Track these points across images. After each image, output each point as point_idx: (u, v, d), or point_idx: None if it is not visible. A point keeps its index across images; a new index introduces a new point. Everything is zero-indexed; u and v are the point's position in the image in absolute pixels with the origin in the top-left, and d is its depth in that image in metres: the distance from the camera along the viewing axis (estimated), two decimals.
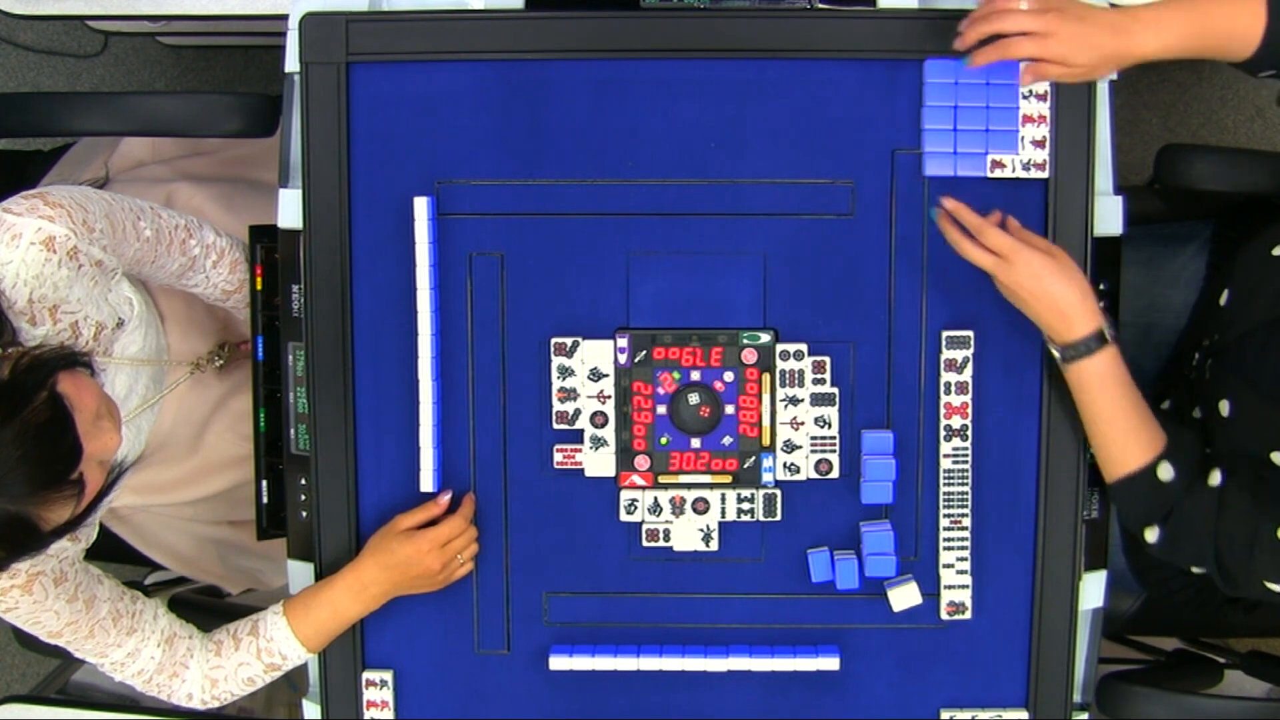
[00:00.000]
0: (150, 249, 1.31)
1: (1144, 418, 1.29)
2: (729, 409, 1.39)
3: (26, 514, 1.00)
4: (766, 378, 1.39)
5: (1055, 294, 1.24)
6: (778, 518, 1.41)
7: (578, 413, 1.40)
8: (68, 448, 1.02)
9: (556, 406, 1.40)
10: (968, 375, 1.38)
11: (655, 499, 1.41)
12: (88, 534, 1.30)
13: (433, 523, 1.37)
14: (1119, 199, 1.37)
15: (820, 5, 1.37)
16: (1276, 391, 1.25)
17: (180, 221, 1.36)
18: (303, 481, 1.43)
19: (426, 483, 1.40)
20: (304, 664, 1.43)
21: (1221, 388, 1.31)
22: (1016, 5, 1.22)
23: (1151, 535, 1.32)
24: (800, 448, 1.40)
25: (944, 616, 1.41)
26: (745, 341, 1.38)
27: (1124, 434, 1.29)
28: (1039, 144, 1.36)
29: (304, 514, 1.43)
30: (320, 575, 1.42)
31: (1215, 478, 1.28)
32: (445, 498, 1.39)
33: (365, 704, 1.44)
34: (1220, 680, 1.64)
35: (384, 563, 1.35)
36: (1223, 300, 1.34)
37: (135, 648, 1.33)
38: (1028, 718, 1.41)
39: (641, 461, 1.40)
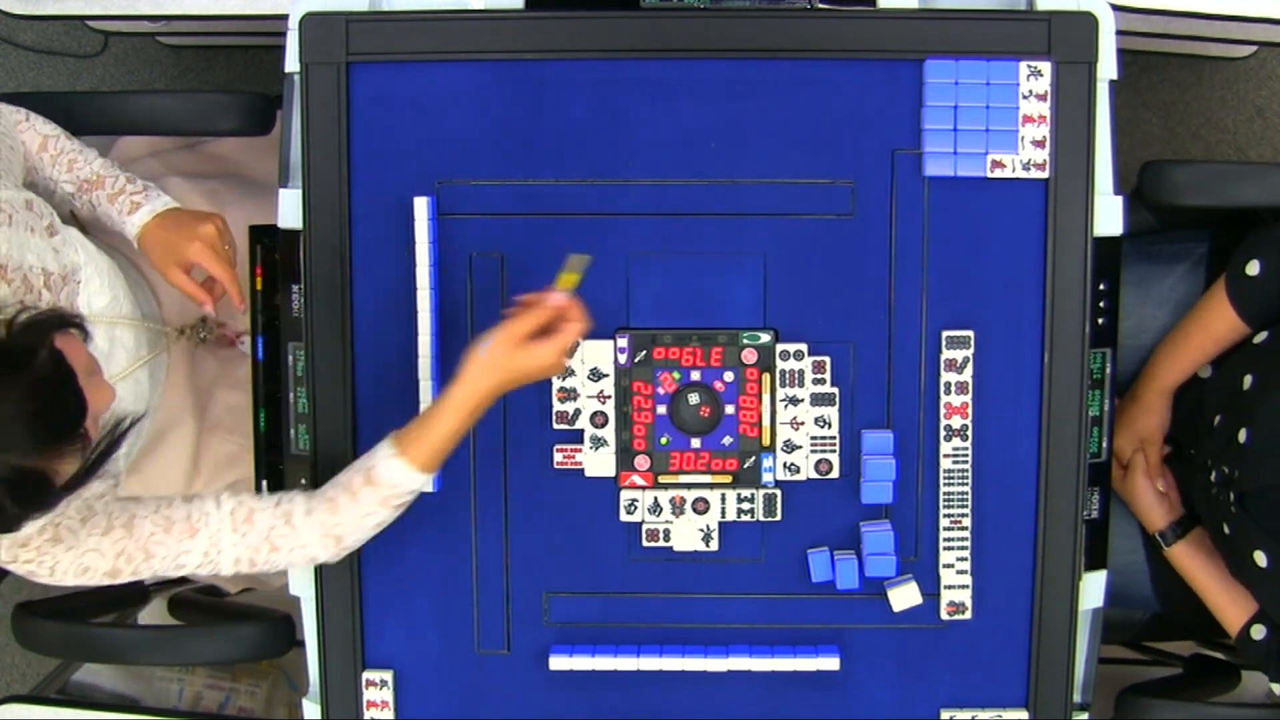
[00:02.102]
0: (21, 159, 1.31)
1: (1233, 591, 1.45)
2: (729, 409, 1.39)
3: (39, 468, 1.01)
4: (766, 378, 1.39)
5: (1133, 506, 1.53)
6: (778, 518, 1.41)
7: (578, 413, 1.40)
8: (74, 402, 1.03)
9: (556, 406, 1.40)
10: (968, 375, 1.38)
11: (655, 499, 1.41)
12: (111, 477, 1.28)
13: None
14: (1119, 199, 1.37)
15: (820, 5, 1.37)
16: None
17: (16, 117, 1.38)
18: (303, 481, 1.43)
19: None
20: (304, 664, 1.43)
21: (1254, 537, 1.34)
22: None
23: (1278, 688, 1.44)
24: (800, 448, 1.40)
25: (944, 616, 1.41)
26: (745, 341, 1.38)
27: (1216, 606, 1.47)
28: (1039, 144, 1.36)
29: None
30: (320, 576, 1.42)
31: None
32: (558, 298, 1.25)
33: (365, 704, 1.44)
34: (1239, 683, 1.64)
35: (506, 380, 1.26)
36: (1242, 438, 1.35)
37: (210, 544, 1.27)
38: (1028, 717, 1.41)
39: (641, 461, 1.40)
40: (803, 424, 1.39)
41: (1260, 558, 1.33)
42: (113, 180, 1.41)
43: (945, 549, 1.40)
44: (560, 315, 1.25)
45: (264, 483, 1.47)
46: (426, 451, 1.28)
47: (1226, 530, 1.38)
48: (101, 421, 1.10)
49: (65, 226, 1.30)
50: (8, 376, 0.98)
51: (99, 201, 1.40)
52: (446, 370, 1.40)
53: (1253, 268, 1.39)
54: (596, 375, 1.39)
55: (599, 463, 1.40)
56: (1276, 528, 1.31)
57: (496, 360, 1.25)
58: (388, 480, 1.28)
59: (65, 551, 1.22)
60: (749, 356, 1.39)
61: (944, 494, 1.39)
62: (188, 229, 1.37)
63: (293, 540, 1.29)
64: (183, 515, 1.27)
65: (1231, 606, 1.45)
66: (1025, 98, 1.35)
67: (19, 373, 0.99)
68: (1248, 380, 1.37)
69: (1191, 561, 1.48)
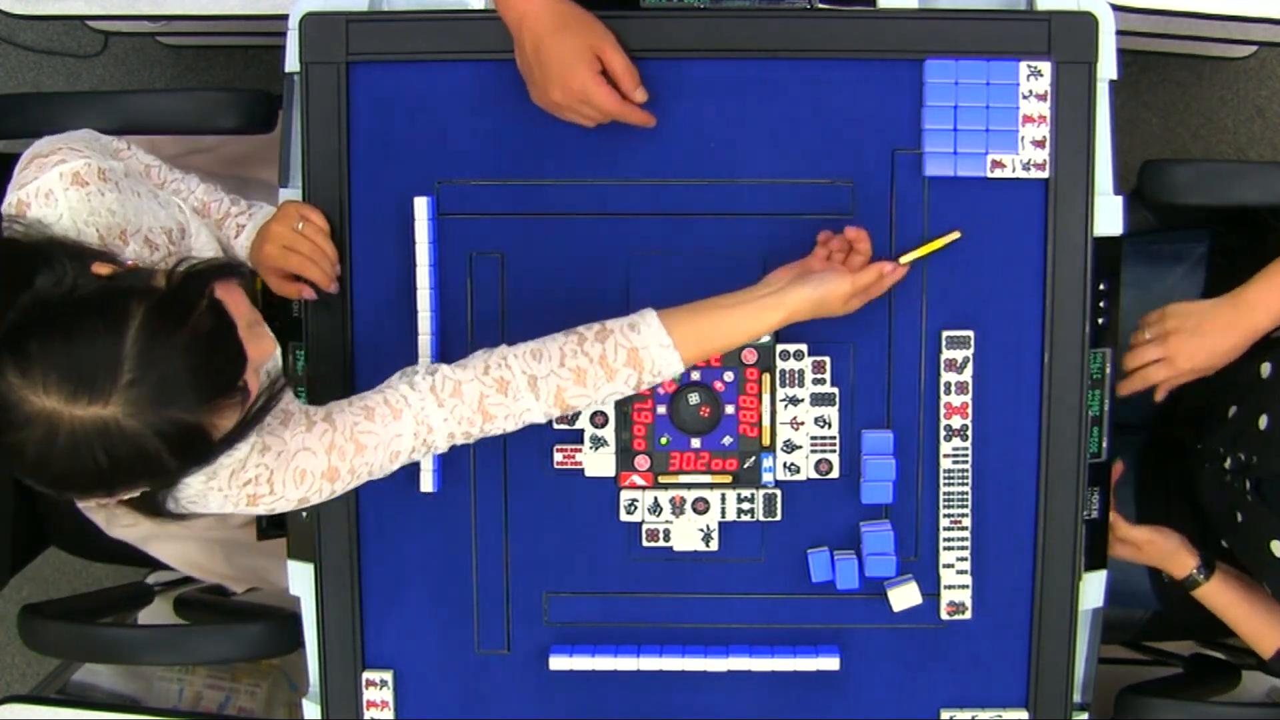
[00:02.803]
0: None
1: (1264, 619, 1.45)
2: (729, 409, 1.39)
3: (200, 423, 0.99)
4: (766, 378, 1.39)
5: (1156, 562, 1.50)
6: (778, 518, 1.41)
7: (577, 413, 1.40)
8: (235, 354, 1.02)
9: None
10: (968, 375, 1.38)
11: (655, 499, 1.41)
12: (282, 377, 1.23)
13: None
14: (1119, 199, 1.37)
15: (820, 5, 1.37)
16: None
17: (118, 145, 1.36)
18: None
19: (426, 483, 1.40)
20: (304, 664, 1.43)
21: (1271, 526, 1.34)
22: (1141, 338, 1.41)
23: None
24: (800, 448, 1.40)
25: (944, 616, 1.41)
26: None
27: (1250, 633, 1.47)
28: (1039, 144, 1.36)
29: (304, 514, 1.43)
30: (320, 576, 1.42)
31: None
32: (854, 232, 1.29)
33: (365, 704, 1.44)
34: (1239, 682, 1.64)
35: (822, 302, 1.26)
36: (1262, 424, 1.35)
37: (417, 423, 1.21)
38: (1028, 718, 1.41)
39: (641, 461, 1.40)
40: (803, 424, 1.39)
41: (1277, 547, 1.33)
42: (217, 205, 1.39)
43: (945, 549, 1.40)
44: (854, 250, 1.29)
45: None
46: (699, 349, 1.24)
47: (1240, 519, 1.38)
48: (262, 373, 1.08)
49: (162, 190, 1.28)
50: (170, 329, 0.97)
51: (209, 228, 1.36)
52: None
53: None
54: None
55: (599, 463, 1.40)
56: None
57: (829, 288, 1.25)
58: (653, 369, 1.23)
59: (276, 459, 1.18)
60: (749, 356, 1.39)
61: (944, 494, 1.39)
62: (263, 232, 1.35)
63: (511, 407, 1.23)
64: (379, 401, 1.21)
65: (1267, 631, 1.44)
66: (1025, 98, 1.35)
67: (181, 325, 0.98)
68: (1266, 368, 1.38)
69: (1224, 596, 1.47)
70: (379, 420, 1.20)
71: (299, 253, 1.34)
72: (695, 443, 1.40)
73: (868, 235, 1.30)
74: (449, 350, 1.40)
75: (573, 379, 1.23)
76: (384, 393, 1.22)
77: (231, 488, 1.17)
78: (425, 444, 1.22)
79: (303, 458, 1.19)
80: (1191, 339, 1.36)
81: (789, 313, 1.26)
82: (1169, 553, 1.47)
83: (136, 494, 1.05)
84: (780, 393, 1.39)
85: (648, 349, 1.23)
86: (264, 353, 1.07)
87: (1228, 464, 1.40)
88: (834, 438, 1.39)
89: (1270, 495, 1.33)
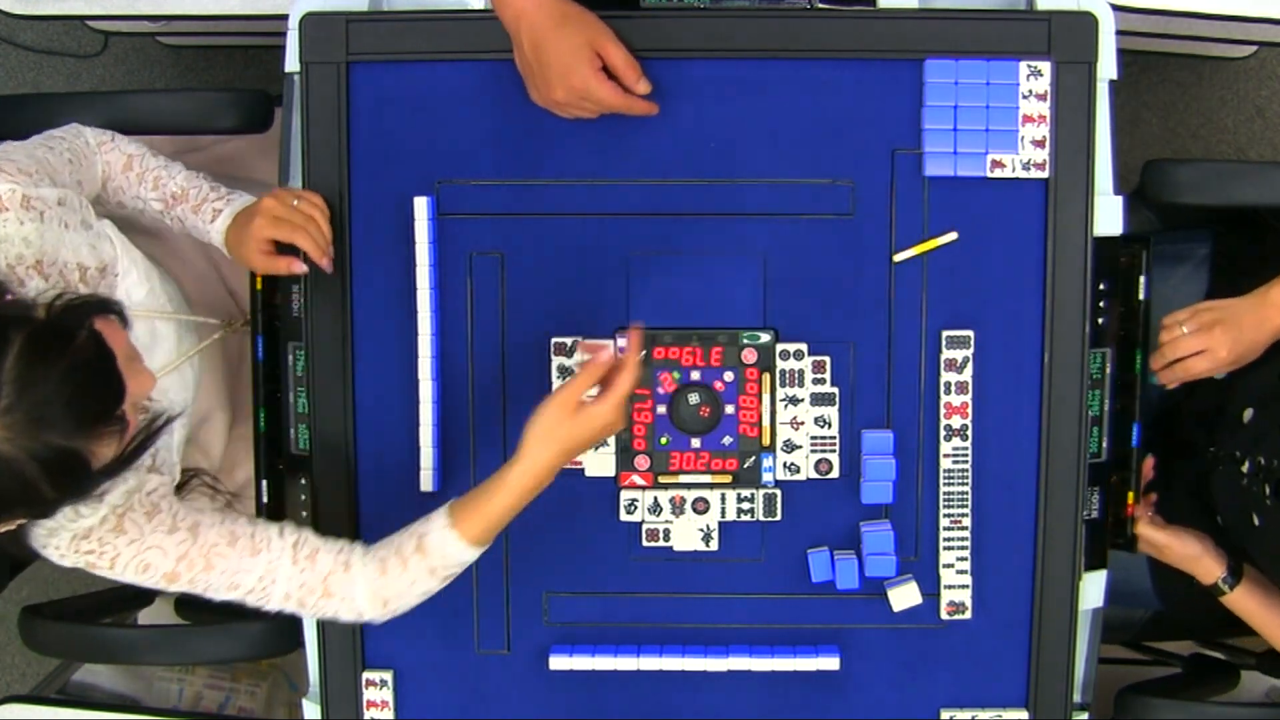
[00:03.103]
0: (79, 170, 1.29)
1: None
2: (729, 409, 1.39)
3: (78, 449, 1.00)
4: (766, 378, 1.39)
5: (1182, 563, 1.49)
6: (778, 518, 1.41)
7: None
8: (113, 383, 1.03)
9: None
10: (968, 375, 1.38)
11: (655, 499, 1.41)
12: (168, 469, 1.27)
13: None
14: (1119, 199, 1.37)
15: (820, 5, 1.37)
16: None
17: (101, 139, 1.36)
18: (303, 481, 1.43)
19: (426, 482, 1.40)
20: (304, 664, 1.43)
21: None
22: (1180, 331, 1.41)
23: None
24: (800, 447, 1.40)
25: (944, 616, 1.41)
26: (745, 341, 1.38)
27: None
28: (1039, 144, 1.36)
29: (304, 514, 1.43)
30: None
31: None
32: (607, 355, 1.24)
33: (365, 704, 1.44)
34: (1238, 682, 1.64)
35: (563, 449, 1.24)
36: (1246, 417, 1.36)
37: (268, 569, 1.26)
38: (1028, 717, 1.41)
39: (641, 461, 1.40)
40: (803, 424, 1.39)
41: None
42: (196, 191, 1.37)
43: (945, 549, 1.40)
44: (614, 368, 1.24)
45: (264, 483, 1.46)
46: (481, 526, 1.27)
47: (1257, 522, 1.38)
48: (142, 410, 1.09)
49: (100, 220, 1.29)
50: (48, 356, 0.98)
51: (185, 215, 1.37)
52: (446, 370, 1.41)
53: None
54: None
55: (599, 463, 1.40)
56: None
57: (553, 432, 1.23)
58: (439, 551, 1.27)
59: (128, 544, 1.21)
60: (749, 356, 1.39)
61: (944, 494, 1.39)
62: (249, 212, 1.34)
63: (346, 590, 1.28)
64: (247, 533, 1.26)
65: None
66: (1025, 98, 1.35)
67: (59, 353, 0.99)
68: (1249, 413, 1.38)
69: (1252, 600, 1.46)
70: (237, 550, 1.25)
71: (290, 222, 1.32)
72: (695, 443, 1.40)
73: (639, 333, 1.25)
74: (449, 350, 1.40)
75: (379, 569, 1.28)
76: (257, 526, 1.27)
77: (70, 550, 1.20)
78: (264, 591, 1.27)
79: (153, 554, 1.22)
80: (1230, 331, 1.38)
81: (543, 476, 1.26)
82: (1192, 557, 1.47)
83: (13, 527, 1.06)
84: (780, 392, 1.39)
85: (431, 534, 1.27)
86: (143, 388, 1.08)
87: (1245, 467, 1.40)
88: (834, 438, 1.39)
89: None
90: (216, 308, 1.51)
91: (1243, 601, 1.46)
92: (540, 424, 1.23)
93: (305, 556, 1.27)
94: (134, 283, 1.31)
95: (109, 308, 1.07)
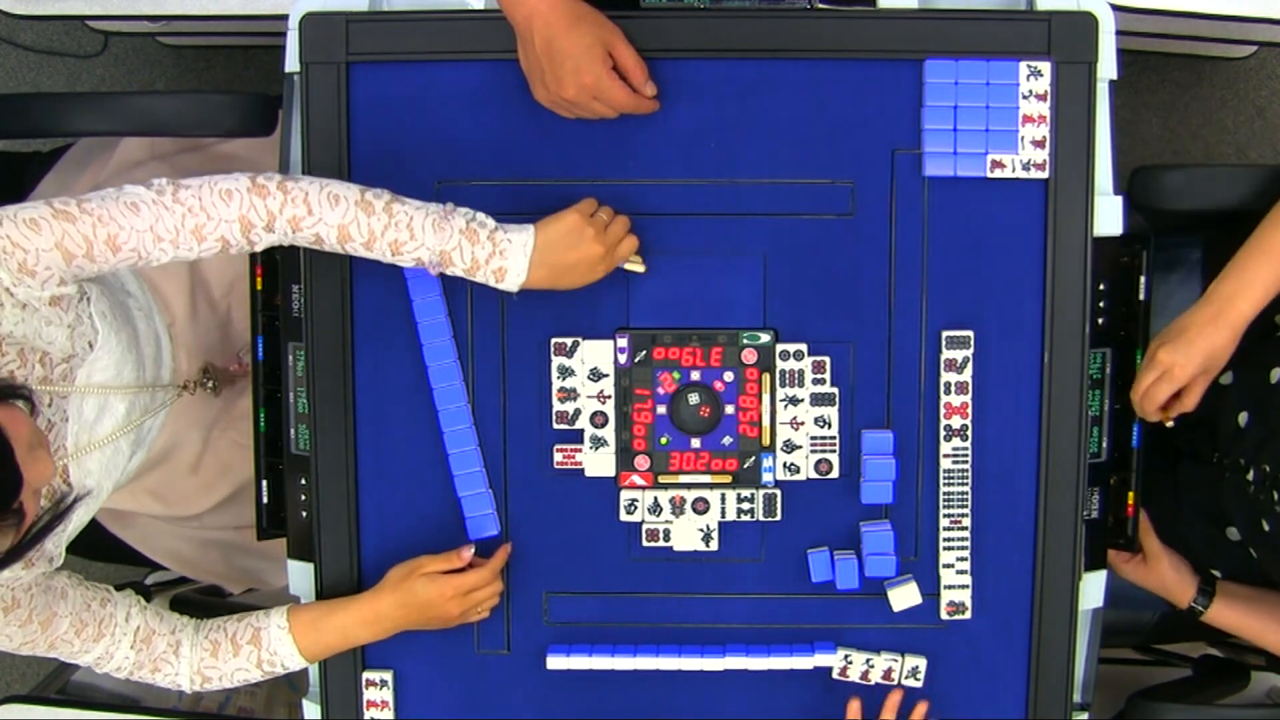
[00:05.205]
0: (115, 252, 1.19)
1: None
2: (729, 409, 1.39)
3: None
4: (766, 378, 1.39)
5: (1156, 589, 1.51)
6: (778, 518, 1.41)
7: (578, 413, 1.40)
8: (8, 477, 1.01)
9: (556, 406, 1.40)
10: (968, 375, 1.38)
11: (655, 499, 1.41)
12: (45, 562, 1.25)
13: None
14: (1119, 199, 1.37)
15: (820, 5, 1.37)
16: None
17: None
18: (303, 481, 1.43)
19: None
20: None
21: None
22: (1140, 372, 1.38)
23: None
24: (800, 448, 1.40)
25: (944, 616, 1.41)
26: (745, 341, 1.38)
27: (1276, 644, 1.47)
28: (1039, 144, 1.36)
29: (304, 514, 1.43)
30: (320, 575, 1.42)
31: None
32: (468, 552, 1.37)
33: (365, 704, 1.44)
34: (1248, 683, 1.64)
35: (403, 601, 1.35)
36: (1242, 421, 1.36)
37: (106, 651, 1.31)
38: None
39: (641, 461, 1.40)
40: (803, 424, 1.39)
41: None
42: (458, 253, 1.27)
43: (945, 549, 1.40)
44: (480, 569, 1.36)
45: (263, 483, 1.46)
46: (317, 644, 1.35)
47: (1267, 529, 1.38)
48: (48, 493, 1.08)
49: (92, 304, 1.24)
50: None
51: (441, 269, 1.29)
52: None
53: None
54: (596, 375, 1.39)
55: (599, 463, 1.40)
56: None
57: (399, 581, 1.35)
58: (269, 648, 1.34)
59: None
60: (749, 356, 1.39)
61: (944, 494, 1.39)
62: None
63: (172, 670, 1.35)
64: (95, 620, 1.30)
65: None
66: (1025, 98, 1.35)
67: None
68: (1276, 374, 1.38)
69: (1233, 613, 1.47)
70: (82, 638, 1.29)
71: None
72: (695, 443, 1.40)
73: (507, 551, 1.41)
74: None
75: (210, 650, 1.34)
76: (106, 610, 1.31)
77: None
78: (98, 664, 1.32)
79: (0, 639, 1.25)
80: (1178, 347, 1.34)
81: (385, 625, 1.37)
82: (1170, 581, 1.48)
83: None
84: (780, 393, 1.39)
85: (267, 630, 1.34)
86: (42, 476, 1.05)
87: (1250, 475, 1.40)
88: (834, 438, 1.39)
89: None
90: (203, 347, 1.49)
91: (1223, 616, 1.48)
92: (398, 570, 1.36)
93: (142, 640, 1.33)
94: (101, 366, 1.26)
95: (14, 393, 1.05)
